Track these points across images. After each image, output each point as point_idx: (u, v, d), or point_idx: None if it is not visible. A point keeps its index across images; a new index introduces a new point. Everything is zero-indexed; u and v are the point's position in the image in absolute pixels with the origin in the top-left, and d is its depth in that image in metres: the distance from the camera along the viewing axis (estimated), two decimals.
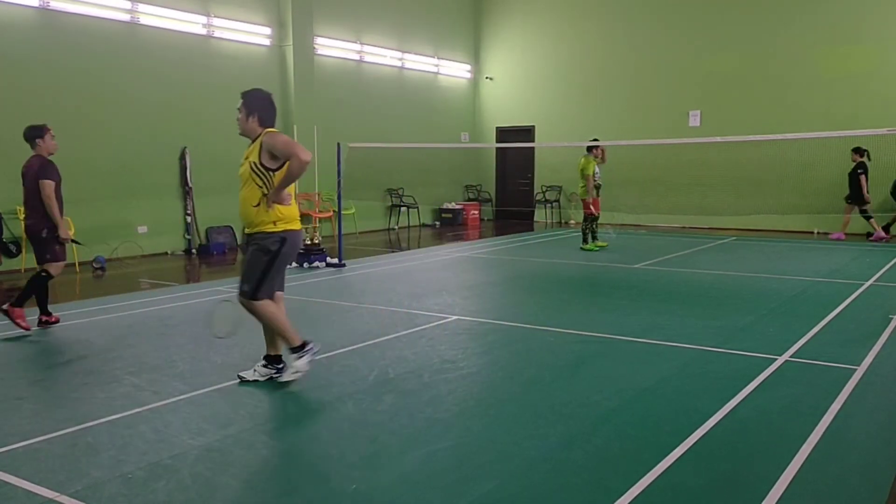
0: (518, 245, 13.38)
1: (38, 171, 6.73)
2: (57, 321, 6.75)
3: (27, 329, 6.46)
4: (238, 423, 4.20)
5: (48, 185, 6.72)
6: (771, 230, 14.61)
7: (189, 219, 12.45)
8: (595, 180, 11.92)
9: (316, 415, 4.37)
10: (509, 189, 19.33)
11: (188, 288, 8.89)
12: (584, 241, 12.21)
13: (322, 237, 11.56)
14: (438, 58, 18.07)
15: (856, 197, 13.07)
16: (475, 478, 3.48)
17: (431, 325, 6.68)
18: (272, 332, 5.01)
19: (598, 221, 12.40)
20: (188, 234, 12.46)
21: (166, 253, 12.14)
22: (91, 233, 11.01)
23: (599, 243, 12.28)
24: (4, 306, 6.47)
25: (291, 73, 14.06)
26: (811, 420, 4.14)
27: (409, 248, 13.34)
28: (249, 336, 6.22)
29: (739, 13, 15.52)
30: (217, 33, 12.96)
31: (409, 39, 17.13)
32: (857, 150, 13.02)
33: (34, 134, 6.90)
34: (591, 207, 11.95)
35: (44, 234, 6.66)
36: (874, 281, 8.87)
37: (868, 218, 13.10)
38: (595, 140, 12.54)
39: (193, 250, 12.39)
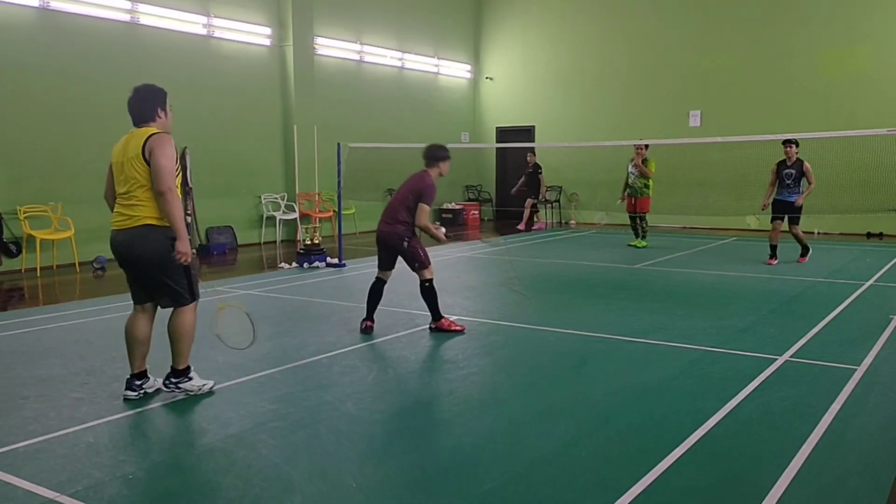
0: (518, 245, 13.38)
1: (424, 189, 6.27)
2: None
3: (461, 329, 6.39)
4: (239, 423, 4.20)
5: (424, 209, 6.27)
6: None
7: (189, 219, 12.44)
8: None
9: (317, 414, 4.37)
10: (509, 189, 19.29)
11: None
12: (644, 237, 12.50)
13: (322, 237, 11.56)
14: (438, 58, 18.07)
15: (535, 192, 15.72)
16: (477, 477, 3.48)
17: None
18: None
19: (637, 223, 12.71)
20: (188, 234, 12.44)
21: None
22: (92, 232, 11.01)
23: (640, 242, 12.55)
24: (433, 325, 6.39)
25: (291, 73, 14.07)
26: (812, 420, 4.15)
27: None
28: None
29: (740, 13, 15.52)
30: (217, 33, 12.96)
31: (409, 39, 17.13)
32: (533, 152, 15.75)
33: (441, 155, 6.44)
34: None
35: (405, 244, 6.28)
36: (874, 281, 8.88)
37: (535, 211, 16.10)
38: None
39: (194, 250, 12.31)
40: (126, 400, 4.59)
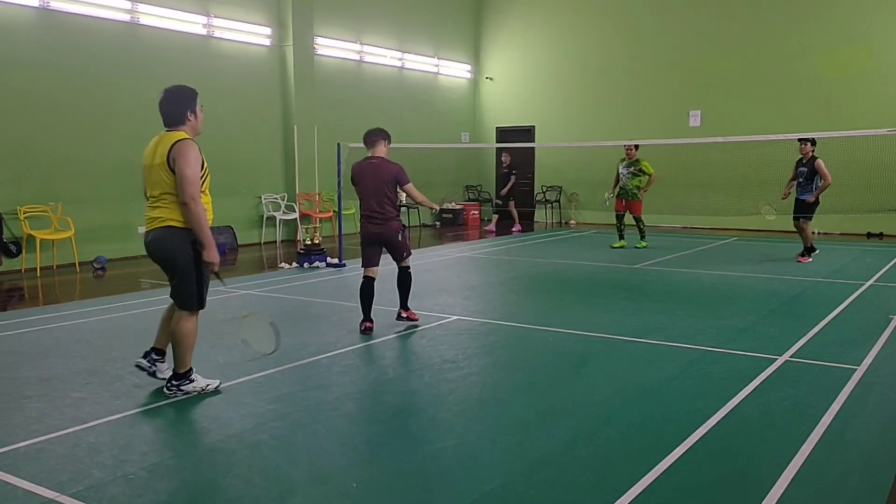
0: (518, 245, 13.39)
1: (398, 174, 6.44)
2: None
3: (417, 319, 6.72)
4: (240, 423, 4.21)
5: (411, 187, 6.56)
6: (772, 230, 14.61)
7: None
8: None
9: (317, 415, 4.37)
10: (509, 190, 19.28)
11: None
12: (643, 237, 12.46)
13: (322, 237, 11.56)
14: (438, 58, 18.07)
15: (506, 193, 15.85)
16: (478, 477, 3.48)
17: (432, 325, 6.68)
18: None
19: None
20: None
21: None
22: (92, 232, 11.02)
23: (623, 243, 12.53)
24: (403, 314, 6.67)
25: (291, 73, 14.07)
26: (812, 420, 4.15)
27: None
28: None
29: (740, 13, 15.53)
30: (217, 33, 12.96)
31: (409, 39, 17.13)
32: (507, 153, 15.80)
33: (384, 135, 6.56)
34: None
35: (400, 237, 6.53)
36: (874, 281, 8.88)
37: (505, 211, 16.12)
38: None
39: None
40: (138, 367, 4.86)
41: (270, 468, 3.60)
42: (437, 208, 7.24)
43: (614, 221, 12.61)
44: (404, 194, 6.65)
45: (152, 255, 4.62)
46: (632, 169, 12.16)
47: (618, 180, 12.37)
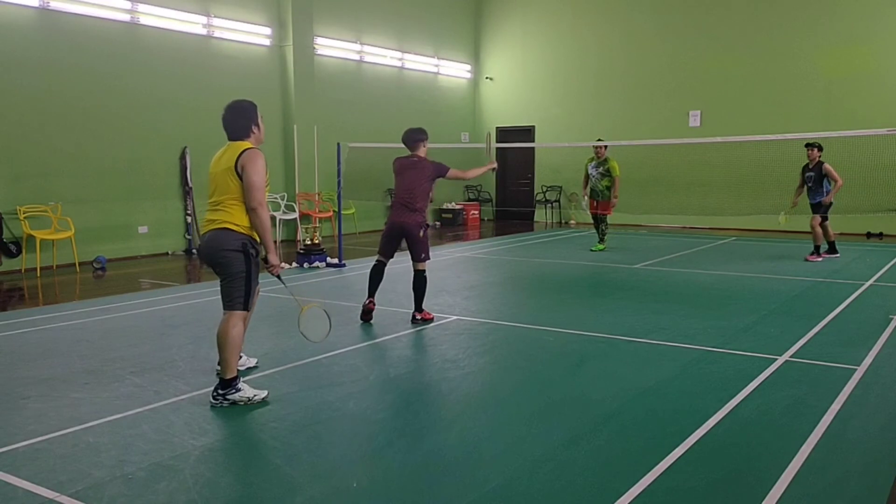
0: (518, 245, 13.38)
1: (436, 169, 6.82)
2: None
3: (432, 318, 6.85)
4: (239, 423, 4.21)
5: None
6: (771, 230, 14.61)
7: (189, 219, 12.46)
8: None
9: (317, 414, 4.37)
10: (509, 189, 19.32)
11: (189, 288, 8.89)
12: (602, 240, 12.20)
13: (322, 237, 11.56)
14: (438, 58, 18.07)
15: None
16: (478, 476, 3.48)
17: (432, 325, 6.69)
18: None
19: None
20: (188, 235, 12.47)
21: (167, 253, 12.15)
22: (92, 233, 11.02)
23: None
24: (418, 316, 6.79)
25: (291, 73, 14.07)
26: (812, 420, 4.15)
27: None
28: (254, 335, 6.22)
29: (740, 13, 15.53)
30: (217, 33, 12.96)
31: (409, 39, 17.13)
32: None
33: (422, 137, 6.89)
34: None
35: (421, 233, 6.73)
36: (874, 281, 8.88)
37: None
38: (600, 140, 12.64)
39: (193, 250, 12.39)
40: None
41: (270, 468, 3.60)
42: (494, 167, 7.30)
43: (605, 223, 12.36)
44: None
45: (204, 255, 4.69)
46: (600, 169, 11.84)
47: (587, 180, 12.12)
